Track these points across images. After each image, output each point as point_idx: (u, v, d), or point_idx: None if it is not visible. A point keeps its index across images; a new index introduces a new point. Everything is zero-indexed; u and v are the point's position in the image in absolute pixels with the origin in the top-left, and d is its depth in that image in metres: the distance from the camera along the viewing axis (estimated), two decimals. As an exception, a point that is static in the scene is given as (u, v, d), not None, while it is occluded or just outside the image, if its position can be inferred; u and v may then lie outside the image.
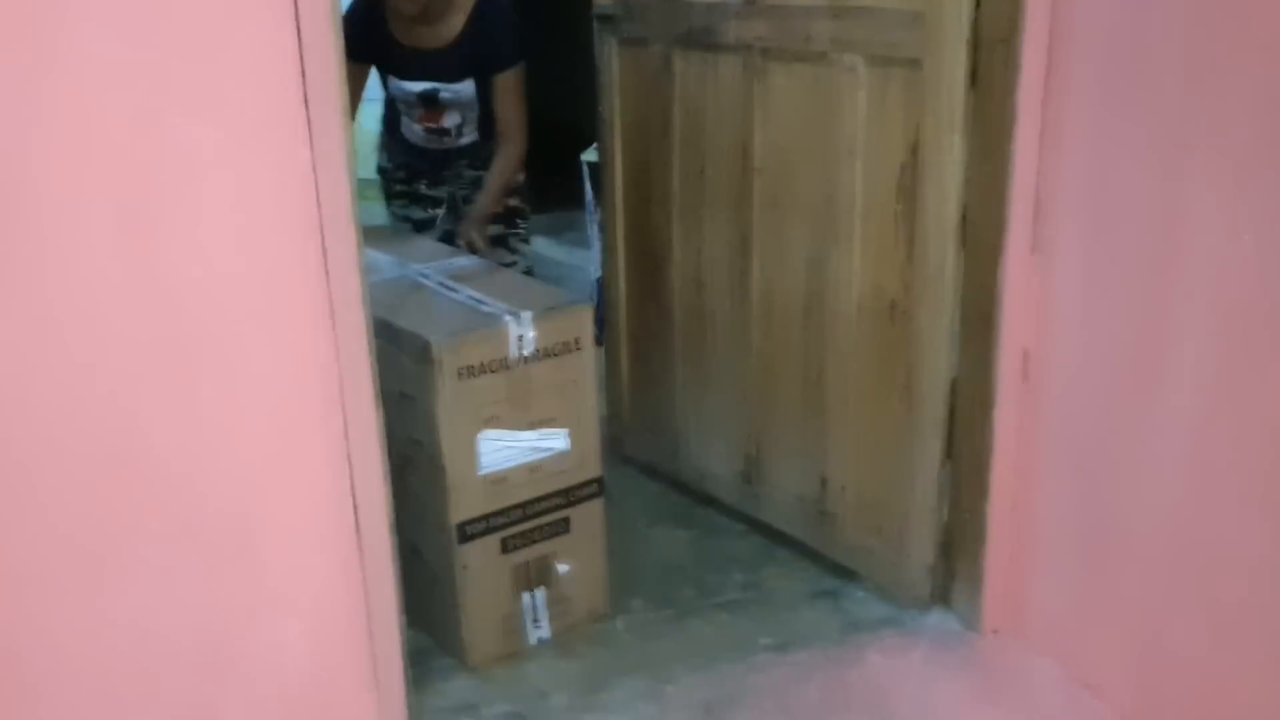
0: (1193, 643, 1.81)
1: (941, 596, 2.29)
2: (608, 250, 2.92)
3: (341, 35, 1.56)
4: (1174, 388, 1.79)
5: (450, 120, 2.92)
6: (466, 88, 2.84)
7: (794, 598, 2.40)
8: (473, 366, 2.07)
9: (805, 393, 2.45)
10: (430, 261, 2.50)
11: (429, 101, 2.87)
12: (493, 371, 2.09)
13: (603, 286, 3.02)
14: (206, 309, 1.56)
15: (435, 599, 2.23)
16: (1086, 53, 1.84)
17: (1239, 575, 1.72)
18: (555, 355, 2.16)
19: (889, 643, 2.20)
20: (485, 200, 2.91)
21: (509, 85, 2.85)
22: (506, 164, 2.91)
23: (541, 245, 5.15)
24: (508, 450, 2.14)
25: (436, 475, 2.10)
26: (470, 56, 2.80)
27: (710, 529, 2.69)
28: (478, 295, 2.24)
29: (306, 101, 1.52)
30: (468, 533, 2.14)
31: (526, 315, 2.12)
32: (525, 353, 2.12)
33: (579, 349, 2.19)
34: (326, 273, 1.60)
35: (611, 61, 2.74)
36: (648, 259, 2.79)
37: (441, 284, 2.34)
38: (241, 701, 1.72)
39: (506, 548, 2.19)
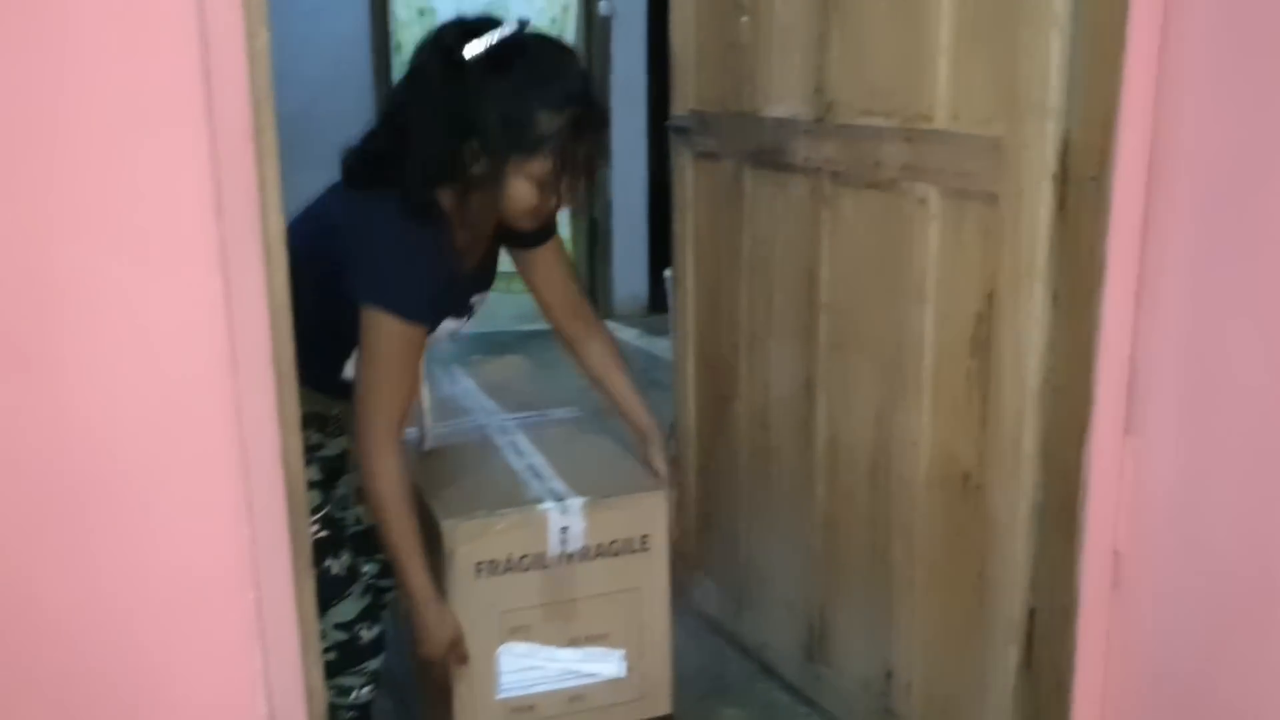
0: None
1: (1014, 830, 1.89)
2: (677, 378, 2.65)
3: (275, 154, 1.36)
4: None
5: None
6: None
7: (844, 810, 2.04)
8: (496, 561, 1.68)
9: (872, 563, 2.10)
10: (527, 411, 2.05)
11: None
12: (524, 569, 1.69)
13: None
14: (102, 459, 1.36)
15: None
16: (1192, 195, 1.48)
17: None
18: (613, 554, 1.74)
19: None
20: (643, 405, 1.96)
21: (560, 250, 1.92)
22: (618, 350, 2.00)
23: (661, 347, 5.01)
24: (537, 671, 1.74)
25: (441, 694, 1.71)
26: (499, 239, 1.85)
27: (768, 708, 2.35)
28: (539, 466, 1.84)
29: (221, 228, 1.32)
30: None
31: (575, 502, 1.72)
32: (570, 549, 1.71)
33: (645, 549, 1.76)
34: (240, 425, 1.39)
35: (685, 175, 2.50)
36: (717, 391, 2.51)
37: (512, 444, 1.93)
38: None
39: None
